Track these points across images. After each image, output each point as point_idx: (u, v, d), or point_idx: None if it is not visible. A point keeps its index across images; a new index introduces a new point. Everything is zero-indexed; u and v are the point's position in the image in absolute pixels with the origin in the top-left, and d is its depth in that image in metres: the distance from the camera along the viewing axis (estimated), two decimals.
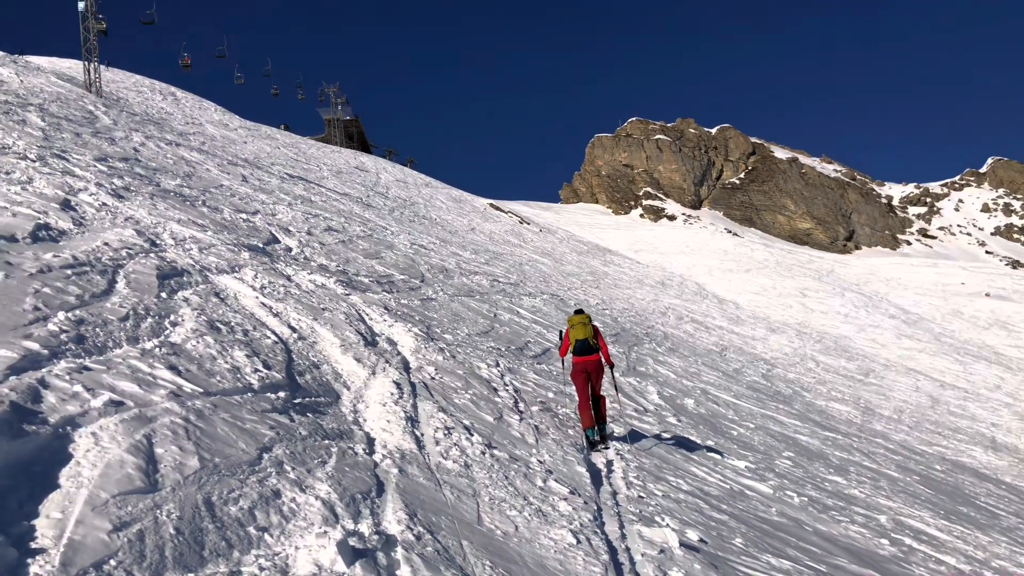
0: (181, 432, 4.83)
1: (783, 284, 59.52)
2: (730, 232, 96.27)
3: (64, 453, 4.12)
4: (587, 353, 9.09)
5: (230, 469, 4.64)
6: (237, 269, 10.93)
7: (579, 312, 9.46)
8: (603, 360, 9.18)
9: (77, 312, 6.43)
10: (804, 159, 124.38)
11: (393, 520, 4.84)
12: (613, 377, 10.25)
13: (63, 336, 5.75)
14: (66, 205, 10.63)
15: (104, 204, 11.88)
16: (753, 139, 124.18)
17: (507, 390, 9.98)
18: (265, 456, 5.07)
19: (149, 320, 7.06)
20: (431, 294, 15.73)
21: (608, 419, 9.36)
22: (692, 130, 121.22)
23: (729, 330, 34.60)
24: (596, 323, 11.30)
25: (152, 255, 9.59)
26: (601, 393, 9.19)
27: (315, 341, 8.91)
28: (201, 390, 5.79)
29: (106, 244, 9.20)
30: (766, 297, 53.25)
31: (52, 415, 4.45)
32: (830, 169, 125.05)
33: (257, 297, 9.79)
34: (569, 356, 9.41)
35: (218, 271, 10.38)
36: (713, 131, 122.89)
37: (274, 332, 8.49)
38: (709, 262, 66.79)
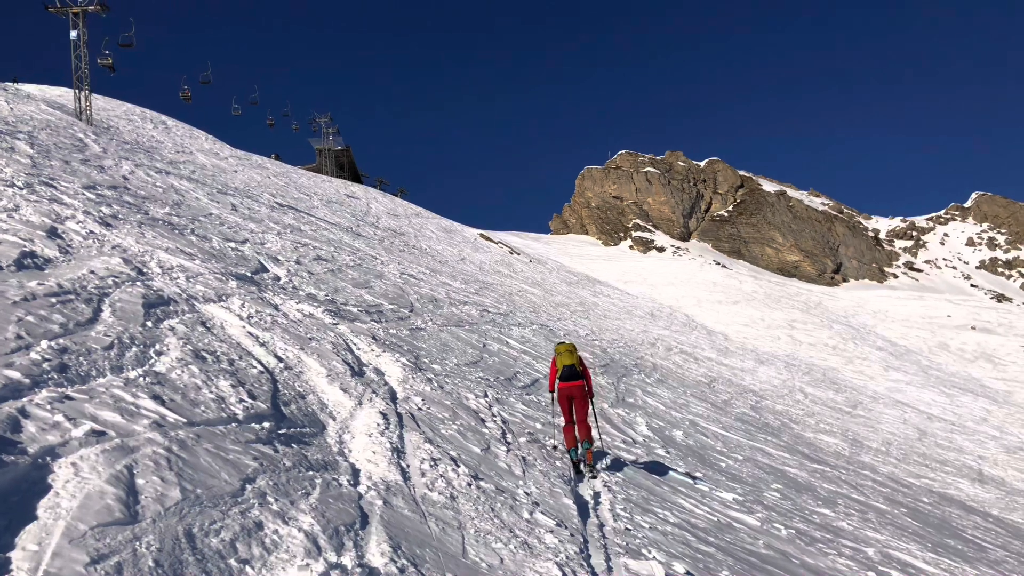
0: (163, 463, 4.78)
1: (771, 316, 59.72)
2: (719, 264, 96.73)
3: (43, 484, 4.07)
4: (572, 379, 9.45)
5: (212, 500, 4.59)
6: (224, 298, 10.89)
7: (562, 342, 9.90)
8: (586, 389, 9.41)
9: (60, 341, 6.39)
10: (792, 192, 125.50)
11: (377, 552, 4.79)
12: (594, 409, 10.11)
13: (45, 365, 5.71)
14: (53, 233, 10.60)
15: (91, 232, 11.85)
16: (741, 172, 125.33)
17: (495, 421, 9.94)
18: (248, 487, 5.02)
19: (134, 349, 7.02)
20: (420, 324, 15.70)
21: (593, 440, 9.38)
22: (681, 163, 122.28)
23: (718, 361, 34.63)
24: (583, 354, 11.44)
25: (138, 284, 9.55)
26: (587, 422, 9.30)
27: (301, 371, 8.86)
28: (185, 420, 5.74)
29: (92, 272, 9.16)
30: (755, 329, 53.37)
31: (32, 445, 4.40)
32: (818, 202, 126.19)
33: (244, 326, 9.75)
34: (556, 384, 9.61)
35: (205, 300, 10.34)
36: (702, 164, 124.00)
37: (260, 362, 8.45)
38: (698, 293, 67.00)
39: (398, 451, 7.16)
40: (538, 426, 10.63)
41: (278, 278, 14.65)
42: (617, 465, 9.79)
